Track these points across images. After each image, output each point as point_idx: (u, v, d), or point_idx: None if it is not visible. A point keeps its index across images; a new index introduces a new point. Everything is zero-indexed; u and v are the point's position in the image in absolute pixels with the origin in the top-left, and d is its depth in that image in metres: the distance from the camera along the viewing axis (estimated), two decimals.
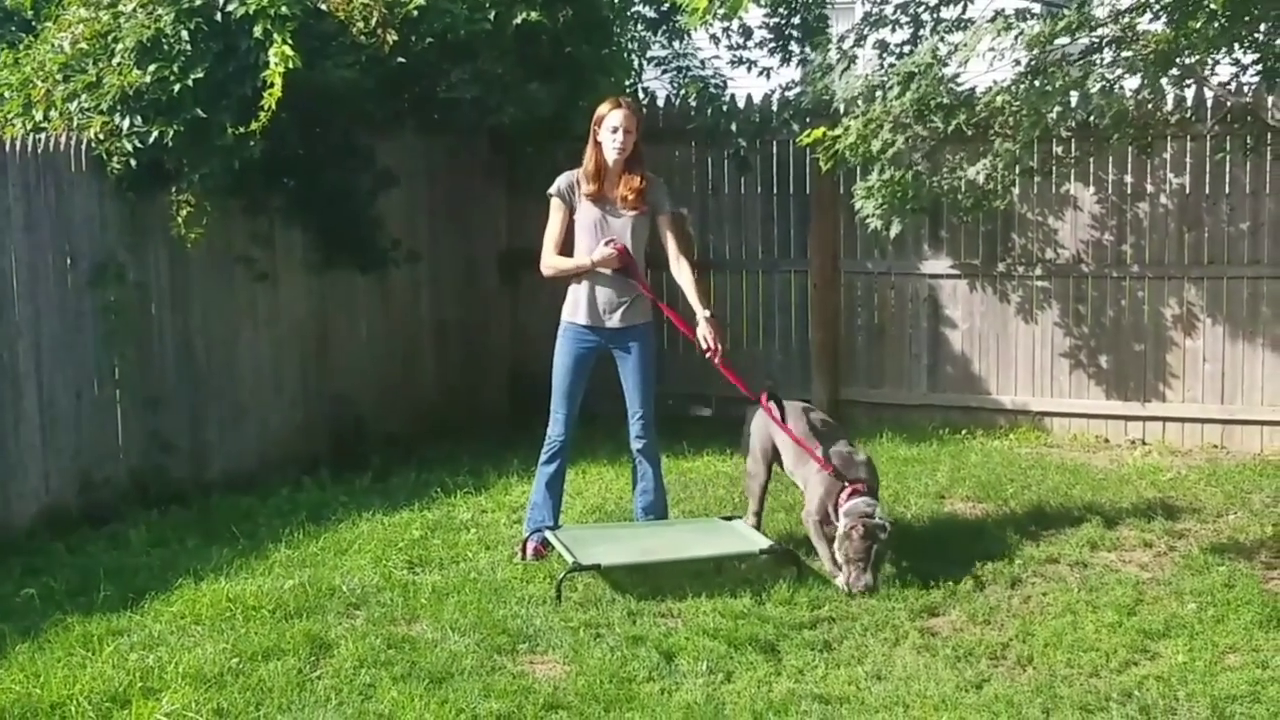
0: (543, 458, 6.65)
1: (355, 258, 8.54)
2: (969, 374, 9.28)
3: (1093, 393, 9.01)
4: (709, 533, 6.65)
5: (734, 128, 9.46)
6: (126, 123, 7.26)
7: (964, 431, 9.06)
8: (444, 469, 8.15)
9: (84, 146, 7.29)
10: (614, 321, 6.51)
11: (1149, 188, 8.77)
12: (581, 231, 6.53)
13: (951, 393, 9.31)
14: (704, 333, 6.53)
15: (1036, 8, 7.84)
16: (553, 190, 6.57)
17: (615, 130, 6.39)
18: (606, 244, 6.43)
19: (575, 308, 6.56)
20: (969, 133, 7.68)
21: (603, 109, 6.47)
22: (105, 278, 7.39)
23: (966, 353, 9.27)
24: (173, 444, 7.72)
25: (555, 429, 6.59)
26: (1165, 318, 8.79)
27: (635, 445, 6.69)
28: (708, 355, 6.57)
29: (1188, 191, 8.72)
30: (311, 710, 4.90)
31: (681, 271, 6.62)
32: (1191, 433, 8.76)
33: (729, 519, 6.81)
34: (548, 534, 6.44)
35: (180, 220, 7.48)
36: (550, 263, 6.55)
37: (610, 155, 6.44)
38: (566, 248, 6.62)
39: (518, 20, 8.26)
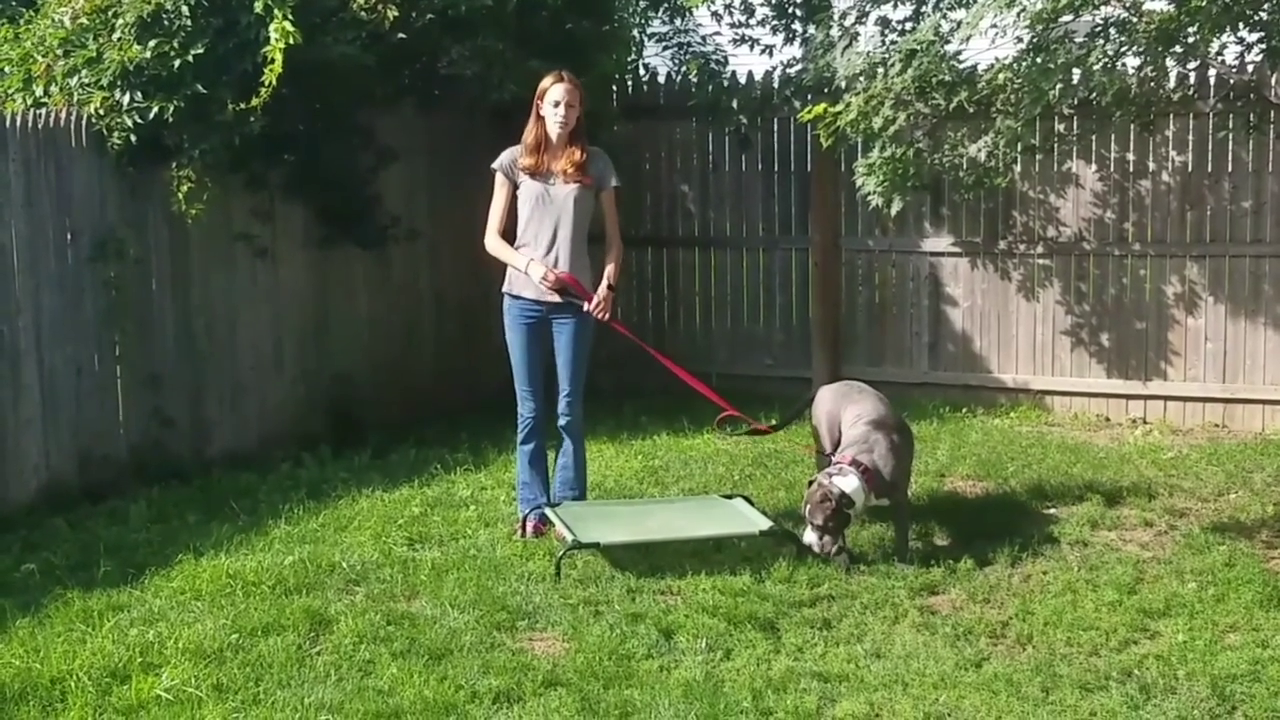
0: (520, 437, 6.63)
1: (355, 234, 8.53)
2: (970, 352, 9.27)
3: (1094, 371, 9.00)
4: (709, 511, 6.64)
5: (735, 104, 9.45)
6: (127, 98, 7.25)
7: (964, 410, 9.05)
8: (443, 446, 8.15)
9: (84, 122, 7.28)
10: (557, 296, 6.43)
11: (1151, 165, 8.76)
12: (524, 205, 6.47)
13: (952, 371, 9.30)
14: (600, 296, 6.44)
15: None
16: (496, 165, 6.53)
17: (557, 104, 6.35)
18: (553, 272, 6.35)
19: (519, 281, 6.49)
20: (970, 110, 7.67)
21: (545, 83, 6.43)
22: (105, 253, 7.38)
23: (967, 331, 9.26)
24: (173, 420, 7.72)
25: (525, 407, 6.56)
26: (1167, 296, 8.78)
27: (561, 420, 6.61)
28: (599, 315, 6.46)
29: (1190, 169, 8.70)
30: (311, 686, 4.90)
31: (611, 251, 6.60)
32: (1193, 412, 8.75)
33: (729, 497, 6.81)
34: (547, 511, 6.44)
35: (180, 196, 7.47)
36: (494, 245, 6.52)
37: (553, 130, 6.39)
38: (511, 220, 6.54)
39: None
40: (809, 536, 5.94)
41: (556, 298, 6.37)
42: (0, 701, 4.83)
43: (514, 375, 6.58)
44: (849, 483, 5.88)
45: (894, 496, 6.12)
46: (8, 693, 4.86)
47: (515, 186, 6.47)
